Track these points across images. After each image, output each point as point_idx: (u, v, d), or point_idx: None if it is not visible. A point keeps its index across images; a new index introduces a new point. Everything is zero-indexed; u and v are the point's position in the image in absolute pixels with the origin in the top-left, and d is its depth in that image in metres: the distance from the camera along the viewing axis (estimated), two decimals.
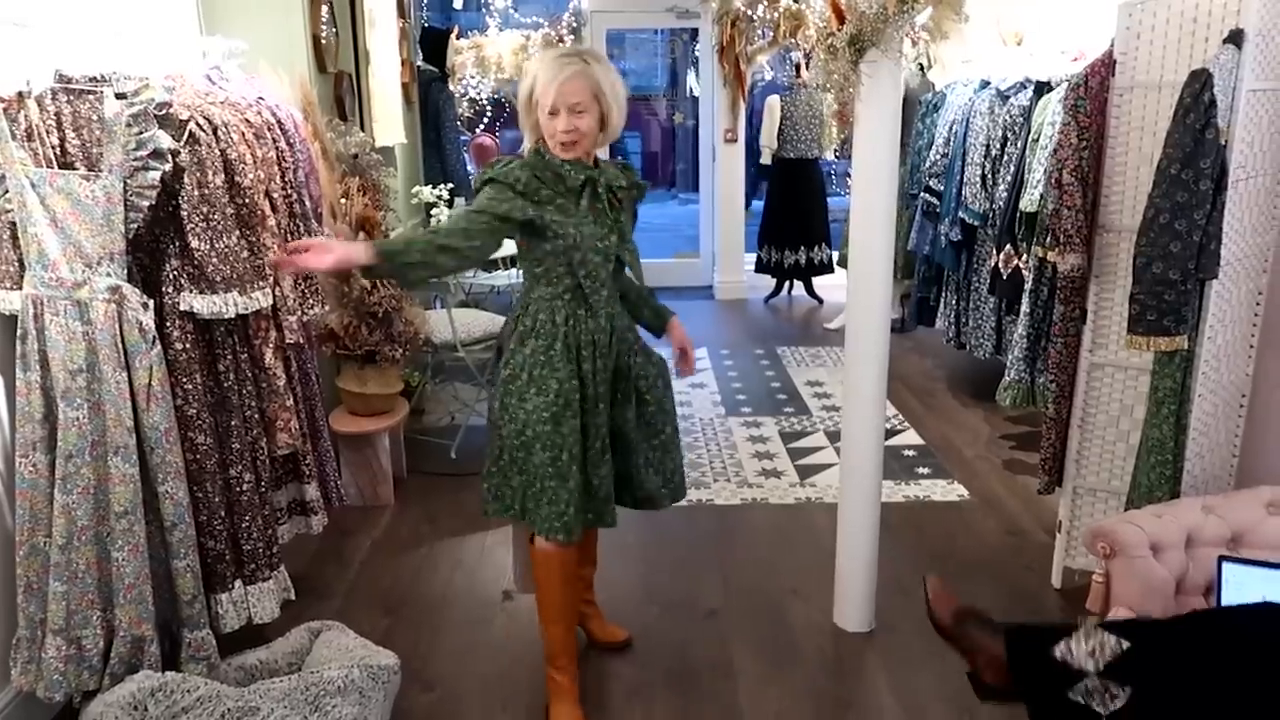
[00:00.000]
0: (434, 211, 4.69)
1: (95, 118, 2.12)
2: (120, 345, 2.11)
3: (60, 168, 2.12)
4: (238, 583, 2.46)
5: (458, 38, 7.12)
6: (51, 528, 2.13)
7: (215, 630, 2.40)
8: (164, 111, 2.16)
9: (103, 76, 2.20)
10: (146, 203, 2.13)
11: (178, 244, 2.27)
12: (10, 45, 2.20)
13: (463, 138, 7.06)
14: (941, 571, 3.17)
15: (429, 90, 5.73)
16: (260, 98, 2.68)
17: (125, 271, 2.14)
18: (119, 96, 2.11)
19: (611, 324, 2.32)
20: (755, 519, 3.63)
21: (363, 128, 4.25)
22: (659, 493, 2.47)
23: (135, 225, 2.15)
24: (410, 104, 5.39)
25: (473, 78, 7.81)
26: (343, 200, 3.52)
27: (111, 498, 2.13)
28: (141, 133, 2.09)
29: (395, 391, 3.78)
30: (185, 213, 2.24)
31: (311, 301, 2.81)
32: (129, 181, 2.10)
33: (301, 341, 2.75)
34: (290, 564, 2.79)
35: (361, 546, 3.39)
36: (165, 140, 2.13)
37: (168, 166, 2.16)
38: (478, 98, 8.00)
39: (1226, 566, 1.96)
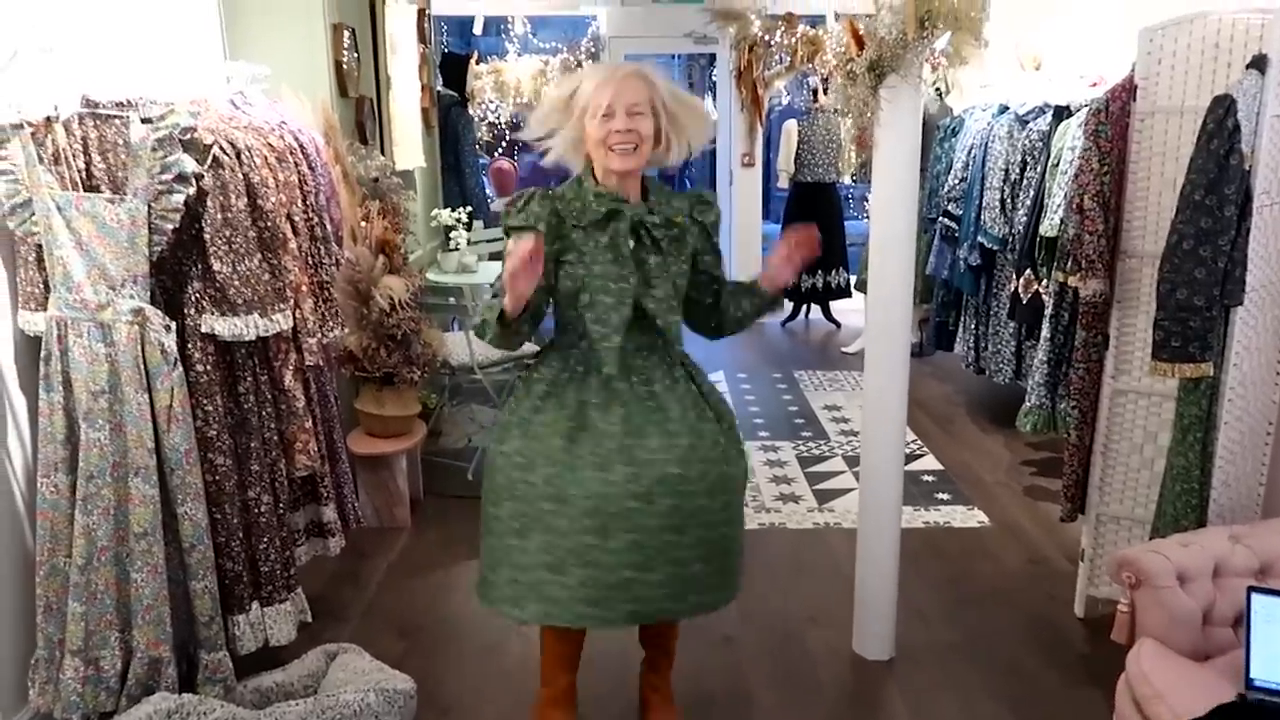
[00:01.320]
0: (453, 235, 4.72)
1: (121, 142, 2.14)
2: (142, 367, 2.13)
3: (86, 191, 2.14)
4: (255, 604, 2.45)
5: (477, 63, 7.19)
6: (71, 548, 2.14)
7: (232, 652, 2.39)
8: (189, 136, 2.18)
9: (129, 101, 2.23)
10: (170, 225, 2.15)
11: (200, 266, 2.29)
12: (38, 71, 2.23)
13: (481, 161, 7.12)
14: (962, 599, 3.14)
15: (449, 114, 5.78)
16: (283, 122, 2.71)
17: (148, 294, 2.16)
18: (145, 121, 2.14)
19: (630, 385, 2.06)
20: (773, 544, 3.60)
21: (383, 151, 4.28)
22: (663, 605, 2.09)
23: (159, 248, 2.17)
24: (430, 128, 5.43)
25: (492, 102, 7.88)
26: (363, 223, 3.54)
27: (131, 519, 2.14)
28: (166, 157, 2.11)
29: (413, 413, 3.78)
30: (208, 236, 2.26)
31: (331, 324, 2.82)
32: (153, 205, 2.12)
33: (321, 363, 2.76)
34: (307, 586, 2.79)
35: (378, 569, 3.38)
36: (190, 164, 2.16)
37: (192, 190, 2.18)
38: (497, 122, 8.06)
39: (1256, 598, 1.92)
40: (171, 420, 2.17)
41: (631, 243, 2.03)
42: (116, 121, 2.16)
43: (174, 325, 2.21)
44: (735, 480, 2.19)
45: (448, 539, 3.59)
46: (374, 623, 3.01)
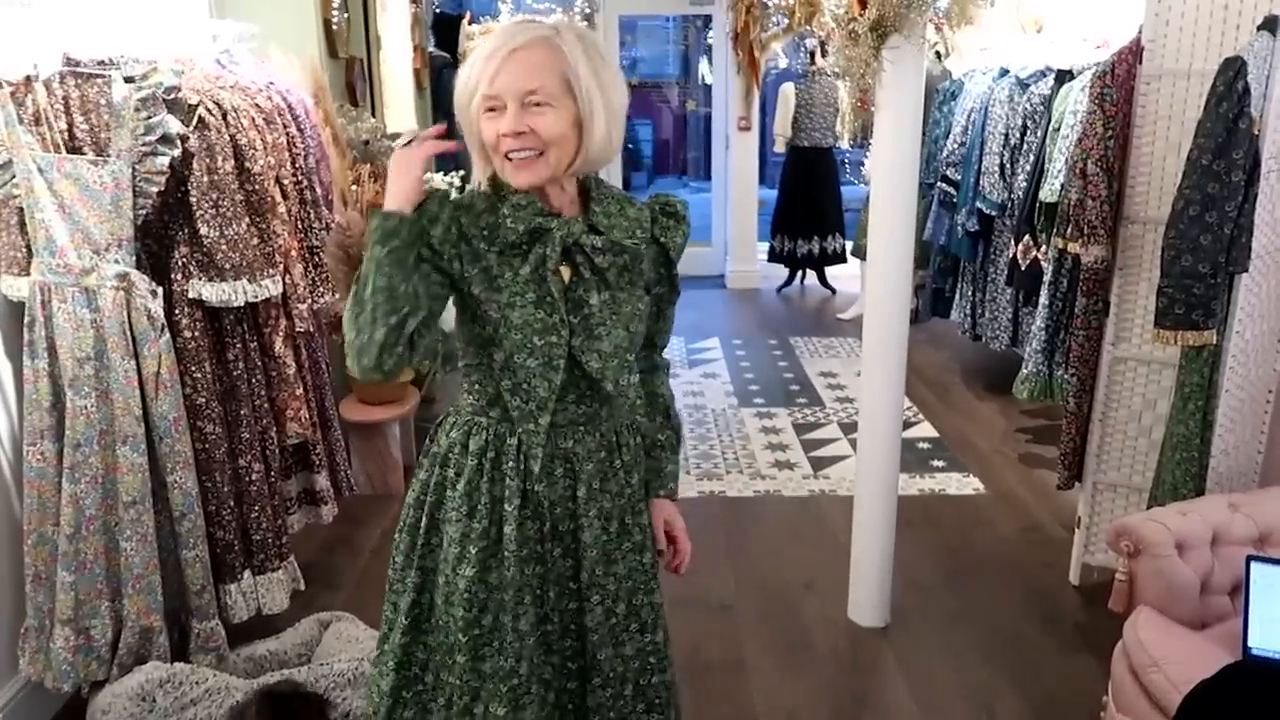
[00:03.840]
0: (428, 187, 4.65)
1: (103, 102, 2.08)
2: (129, 333, 2.08)
3: (68, 153, 2.09)
4: (247, 573, 2.44)
5: (470, 23, 7.05)
6: (59, 517, 2.11)
7: (224, 621, 2.38)
8: (173, 96, 2.12)
9: (111, 60, 2.17)
10: (155, 188, 2.10)
11: (186, 231, 2.24)
12: (17, 27, 2.16)
13: None
14: (957, 566, 3.13)
15: (440, 76, 5.68)
16: (271, 83, 2.64)
17: (134, 258, 2.11)
18: (127, 80, 2.08)
19: (572, 488, 1.49)
20: (768, 511, 3.59)
21: (374, 114, 4.21)
22: None
23: (144, 211, 2.12)
24: (421, 90, 5.34)
25: None
26: (354, 187, 3.48)
27: (120, 487, 2.11)
28: (150, 117, 2.06)
29: (406, 380, 3.75)
30: (194, 199, 2.21)
31: (322, 289, 2.78)
32: (137, 167, 2.07)
33: (312, 329, 2.72)
34: (300, 553, 2.77)
35: (372, 536, 3.37)
36: (174, 125, 2.10)
37: (176, 152, 2.12)
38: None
39: (1255, 566, 1.91)
40: (159, 387, 2.13)
41: (566, 274, 1.44)
42: (99, 81, 2.09)
43: (160, 291, 2.17)
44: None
45: None
46: (368, 590, 2.99)
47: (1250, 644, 1.86)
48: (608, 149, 1.43)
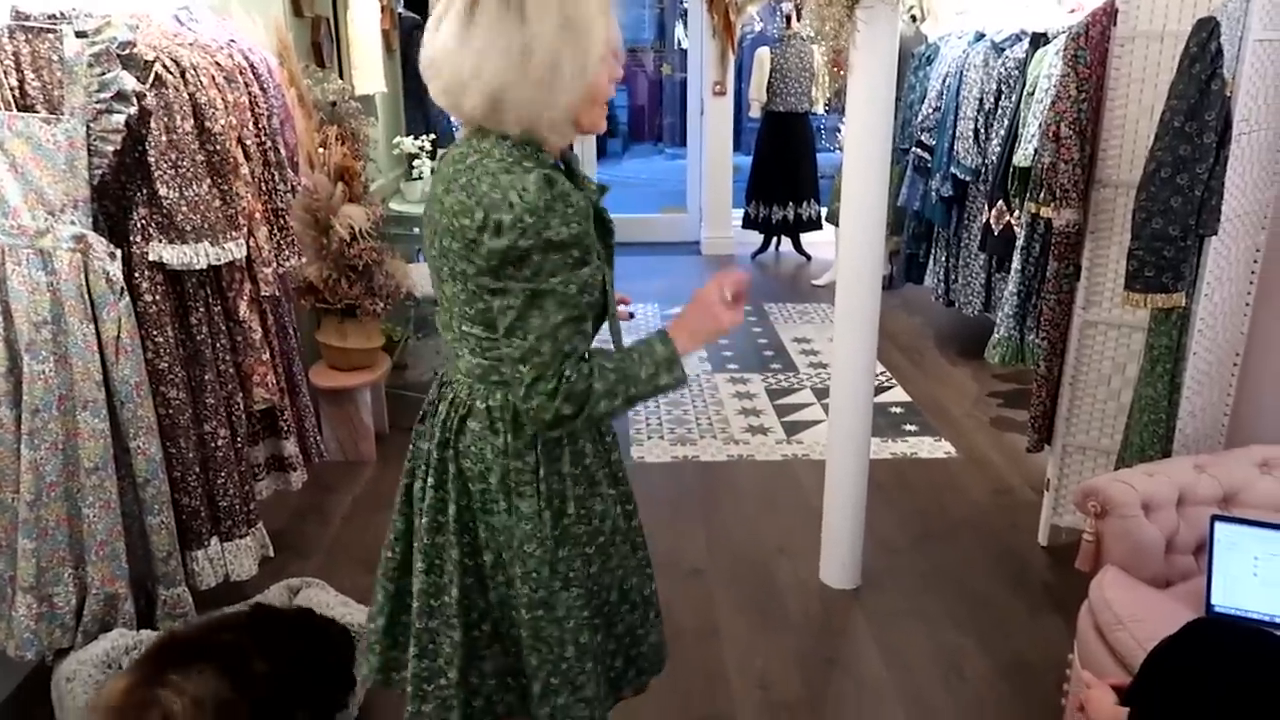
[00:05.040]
0: (416, 163, 4.59)
1: (55, 58, 2.01)
2: (86, 296, 2.03)
3: (20, 110, 2.02)
4: (214, 539, 2.41)
5: None
6: (19, 484, 2.06)
7: (192, 587, 2.35)
8: (127, 51, 2.05)
9: (62, 14, 2.09)
10: (111, 148, 2.04)
11: (145, 192, 2.18)
12: None
13: None
14: (928, 529, 3.16)
15: (411, 38, 5.58)
16: (231, 40, 2.57)
17: (90, 220, 2.05)
18: (79, 35, 2.01)
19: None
20: (741, 476, 3.60)
21: (341, 75, 4.12)
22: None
23: (100, 171, 2.05)
24: (391, 52, 5.23)
25: None
26: (320, 149, 3.42)
27: (81, 453, 2.07)
28: (104, 74, 1.99)
29: (377, 346, 3.71)
30: (153, 159, 2.15)
31: (288, 253, 2.73)
32: (92, 125, 2.00)
33: (278, 294, 2.67)
34: (270, 520, 2.75)
35: (343, 503, 3.35)
36: (129, 82, 2.03)
37: (133, 110, 2.06)
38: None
39: (1219, 526, 1.93)
40: (119, 352, 2.08)
41: None
42: (50, 36, 2.02)
43: (119, 253, 2.11)
44: None
45: None
46: (339, 557, 2.98)
47: (1213, 601, 1.89)
48: None
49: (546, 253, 1.23)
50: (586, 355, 1.31)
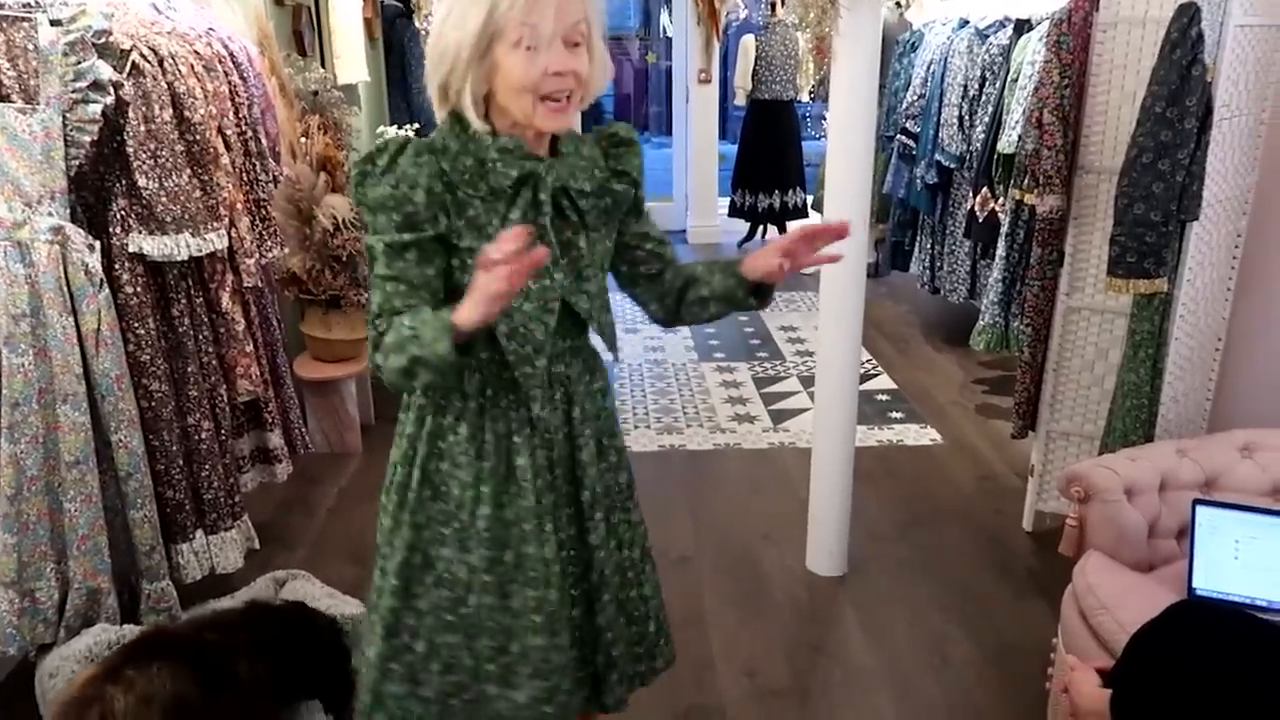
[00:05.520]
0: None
1: (30, 46, 1.98)
2: (65, 288, 2.01)
3: None
4: (199, 532, 2.39)
5: None
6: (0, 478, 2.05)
7: (177, 580, 2.34)
8: (103, 40, 2.02)
9: (36, 2, 2.06)
10: (88, 138, 2.01)
11: (124, 182, 2.16)
12: None
13: None
14: (914, 515, 3.18)
15: (393, 26, 5.54)
16: (210, 28, 2.54)
17: (68, 211, 2.03)
18: (54, 24, 1.98)
19: (568, 410, 1.51)
20: (728, 464, 3.61)
21: (323, 64, 4.08)
22: (615, 680, 1.61)
23: (77, 162, 2.03)
24: (374, 40, 5.19)
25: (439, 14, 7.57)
26: (303, 139, 3.39)
27: (62, 447, 2.05)
28: (79, 63, 1.97)
29: (361, 337, 3.69)
30: (131, 149, 2.13)
31: (270, 244, 2.71)
32: (68, 115, 1.98)
33: (261, 285, 2.65)
34: (255, 513, 2.73)
35: (329, 494, 3.34)
36: (105, 71, 2.01)
37: (109, 99, 2.03)
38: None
39: (1200, 510, 1.95)
40: (100, 344, 2.06)
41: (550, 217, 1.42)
42: (24, 24, 1.99)
43: (98, 245, 2.09)
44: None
45: None
46: (325, 549, 2.97)
47: (1195, 585, 1.90)
48: (602, 88, 1.42)
49: (371, 211, 1.34)
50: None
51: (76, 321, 2.04)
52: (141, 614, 2.24)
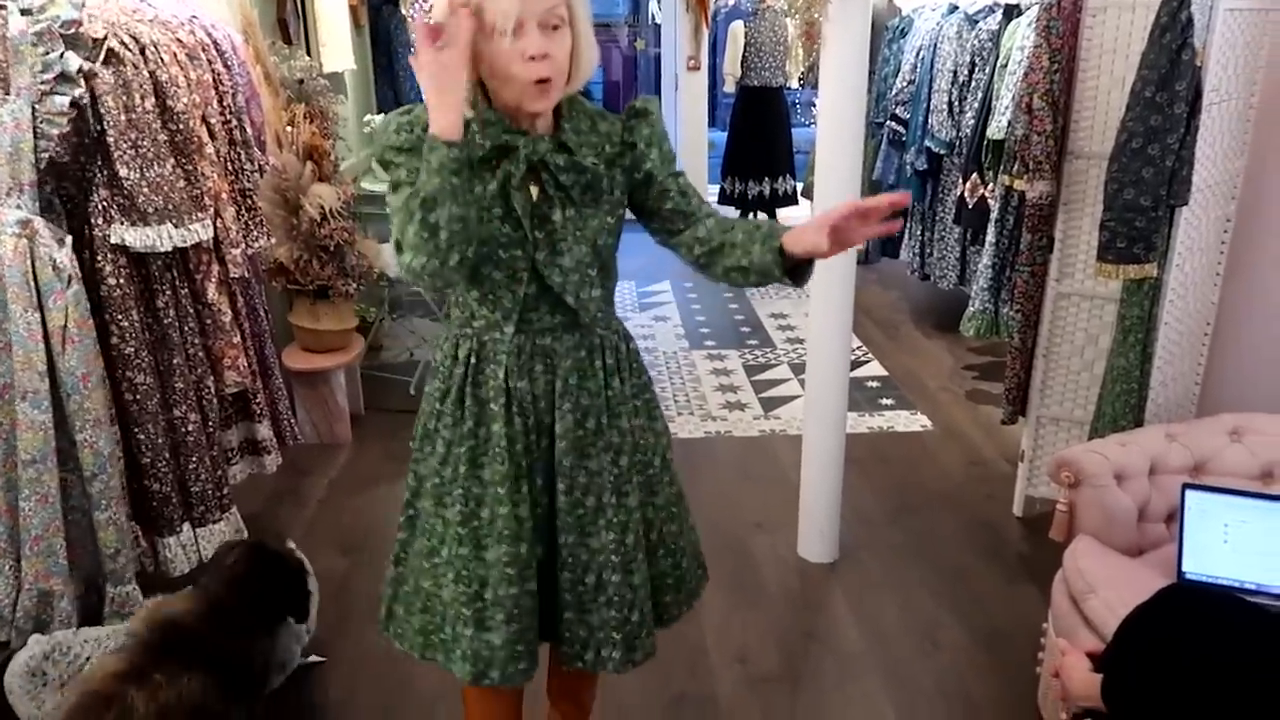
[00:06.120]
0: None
1: (3, 36, 1.96)
2: (32, 284, 1.95)
3: None
4: (186, 525, 2.38)
5: None
6: None
7: (164, 575, 2.32)
8: (72, 31, 1.98)
9: None
10: (57, 130, 1.96)
11: (105, 173, 2.13)
12: None
13: None
14: (904, 501, 3.18)
15: (379, 14, 5.50)
16: (193, 16, 2.52)
17: (37, 204, 1.98)
18: (25, 13, 1.94)
19: (551, 383, 1.54)
20: (719, 452, 3.60)
21: (309, 52, 4.05)
22: (605, 646, 1.63)
23: (46, 155, 1.98)
24: (360, 28, 5.15)
25: (426, 2, 7.52)
26: (289, 128, 3.36)
27: (19, 445, 1.99)
28: (47, 54, 1.92)
29: (350, 327, 3.67)
30: (112, 139, 2.10)
31: (256, 234, 2.69)
32: (37, 107, 1.94)
33: (247, 275, 2.64)
34: (244, 505, 2.72)
35: (319, 486, 3.32)
36: (74, 62, 1.96)
37: (78, 91, 1.99)
38: (430, 22, 7.71)
39: (1190, 494, 1.95)
40: (66, 341, 2.01)
41: (535, 192, 1.46)
42: (2, 13, 1.96)
43: (69, 239, 2.03)
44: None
45: (390, 454, 3.53)
46: (315, 541, 2.96)
47: (1184, 568, 1.91)
48: (590, 71, 1.46)
49: (392, 163, 1.42)
50: None
51: (43, 318, 1.99)
52: (106, 617, 2.19)
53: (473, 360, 1.53)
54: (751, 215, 7.29)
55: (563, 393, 1.54)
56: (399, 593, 1.70)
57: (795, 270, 1.47)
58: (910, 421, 3.84)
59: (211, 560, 2.13)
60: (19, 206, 1.96)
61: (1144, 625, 1.48)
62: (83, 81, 2.00)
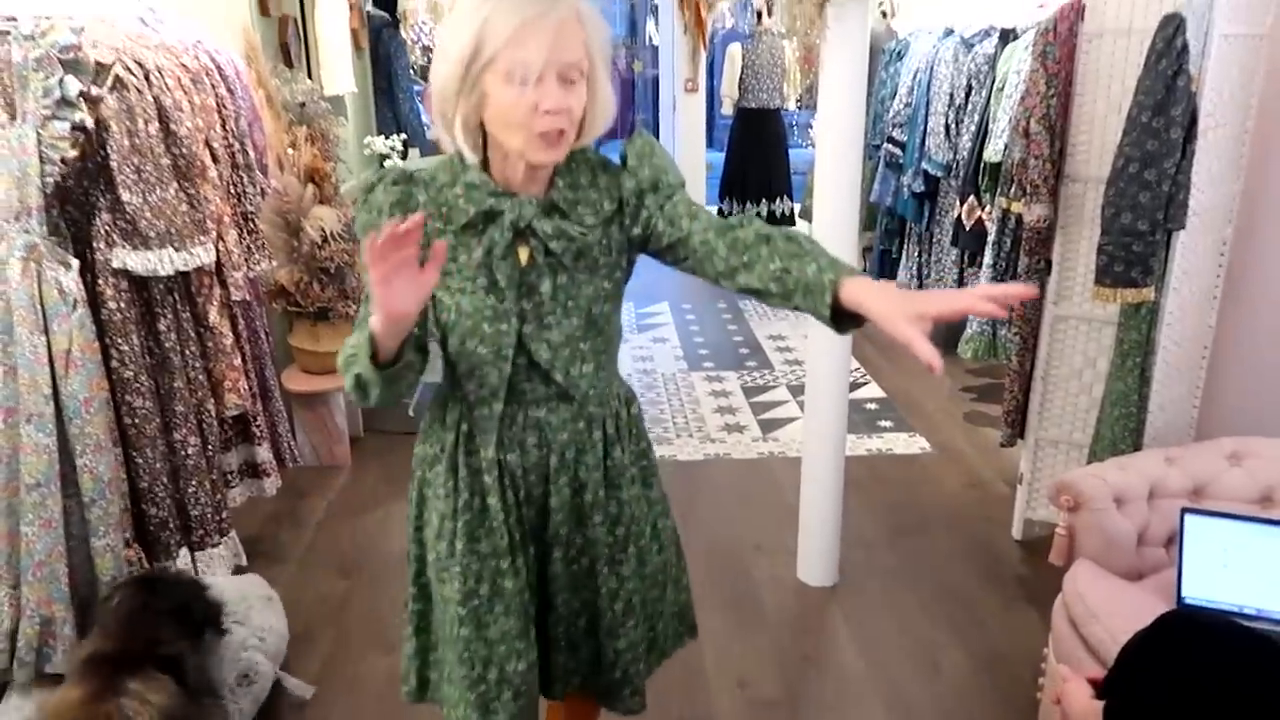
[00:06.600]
0: (386, 163, 4.55)
1: (8, 61, 1.97)
2: (39, 307, 1.97)
3: None
4: (184, 550, 2.37)
5: None
6: None
7: None
8: (70, 55, 1.99)
9: (14, 16, 2.04)
10: (60, 155, 1.98)
11: (108, 197, 2.14)
12: None
13: (416, 87, 6.86)
14: (903, 524, 3.18)
15: (379, 37, 5.53)
16: (198, 41, 2.54)
17: (44, 228, 1.99)
18: (28, 39, 1.96)
19: (545, 457, 1.47)
20: (718, 474, 3.60)
21: (310, 75, 4.07)
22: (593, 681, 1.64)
23: (52, 179, 1.99)
24: (360, 51, 5.18)
25: (425, 24, 7.56)
26: (290, 150, 3.38)
27: (23, 468, 1.99)
28: (48, 78, 1.94)
29: None
30: (115, 163, 2.11)
31: (258, 256, 2.70)
32: (41, 132, 1.95)
33: (248, 298, 2.64)
34: (243, 527, 2.72)
35: (317, 508, 3.31)
36: (73, 87, 1.97)
37: (79, 115, 2.00)
38: (431, 45, 7.76)
39: (1189, 518, 1.95)
40: (70, 365, 2.01)
41: (525, 256, 1.36)
42: (6, 37, 1.98)
43: (75, 264, 2.04)
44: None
45: (389, 476, 3.53)
46: (314, 563, 2.95)
47: (1184, 593, 1.91)
48: (603, 127, 1.36)
49: (360, 239, 1.34)
50: None
51: (48, 341, 2.00)
52: None
53: (463, 427, 1.45)
54: None
55: (558, 468, 1.47)
56: (429, 660, 1.63)
57: (840, 318, 1.29)
58: (909, 444, 3.84)
59: (98, 609, 2.05)
60: (26, 230, 1.97)
61: (1144, 652, 1.48)
62: (84, 106, 2.01)
